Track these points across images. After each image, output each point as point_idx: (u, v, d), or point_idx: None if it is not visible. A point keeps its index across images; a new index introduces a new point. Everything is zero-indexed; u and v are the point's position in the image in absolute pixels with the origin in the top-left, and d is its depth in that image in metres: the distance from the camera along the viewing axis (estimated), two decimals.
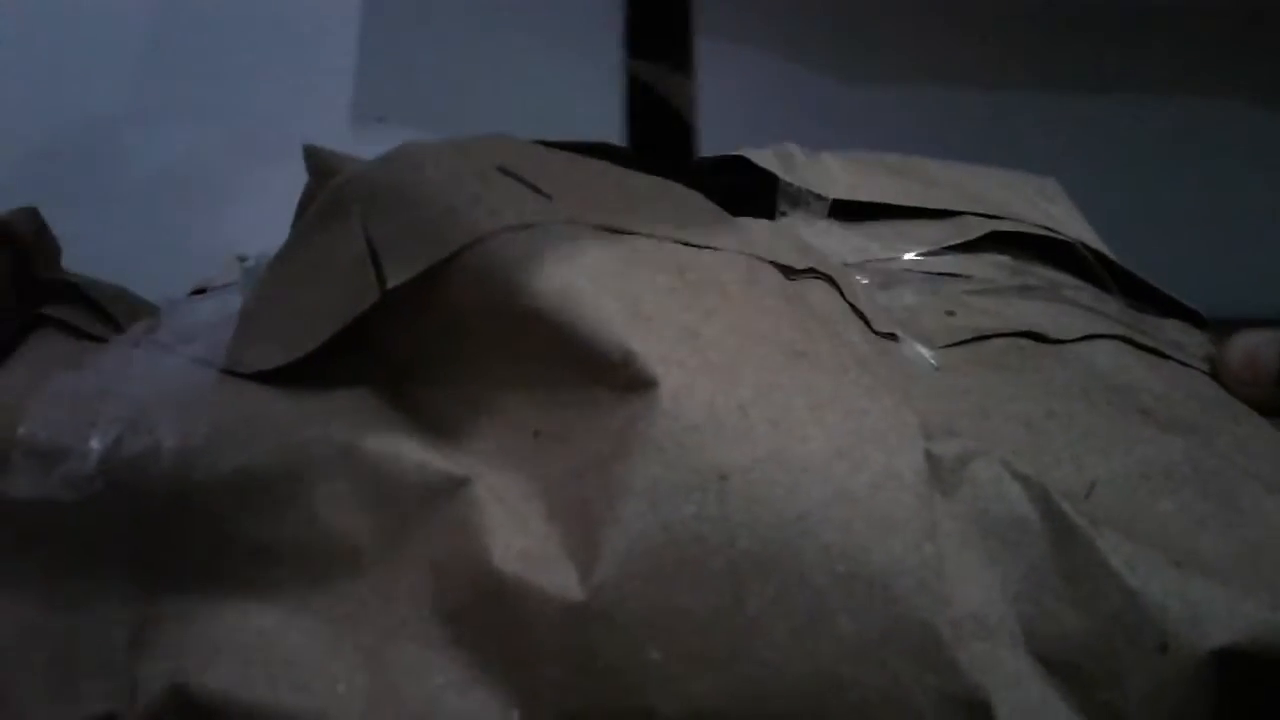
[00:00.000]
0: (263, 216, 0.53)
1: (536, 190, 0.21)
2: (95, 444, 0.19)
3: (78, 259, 0.52)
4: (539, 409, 0.19)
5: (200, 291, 0.27)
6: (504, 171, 0.21)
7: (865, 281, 0.24)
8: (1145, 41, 0.55)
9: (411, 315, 0.20)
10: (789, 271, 0.22)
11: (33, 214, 0.25)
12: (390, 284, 0.20)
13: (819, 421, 0.18)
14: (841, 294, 0.22)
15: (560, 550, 0.17)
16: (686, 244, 0.21)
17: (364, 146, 0.51)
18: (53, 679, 0.19)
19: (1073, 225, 0.30)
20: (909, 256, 0.26)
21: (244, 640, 0.19)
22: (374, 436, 0.19)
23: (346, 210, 0.21)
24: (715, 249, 0.21)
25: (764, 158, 0.28)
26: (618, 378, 0.18)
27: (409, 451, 0.19)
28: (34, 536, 0.20)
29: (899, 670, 0.16)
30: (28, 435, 0.19)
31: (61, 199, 0.52)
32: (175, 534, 0.19)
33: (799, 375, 0.18)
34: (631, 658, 0.17)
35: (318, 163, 0.23)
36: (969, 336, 0.23)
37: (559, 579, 0.17)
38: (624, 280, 0.19)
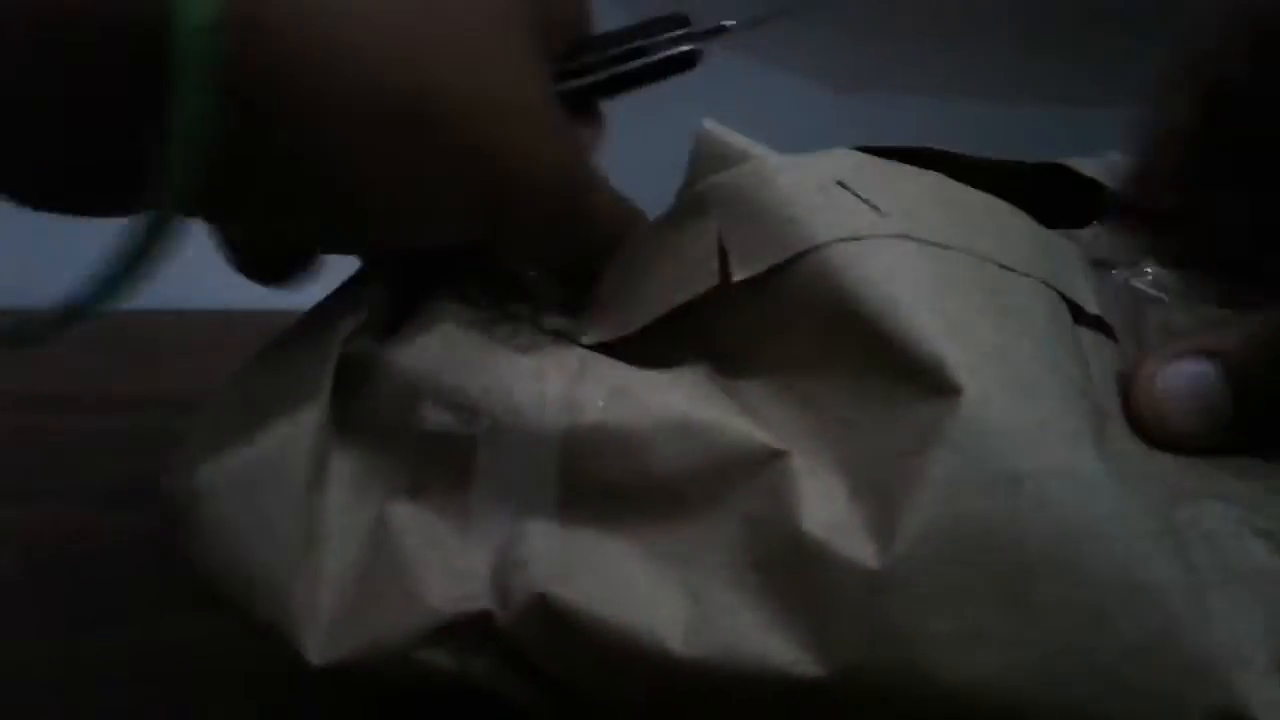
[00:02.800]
0: None
1: (871, 205, 0.23)
2: (488, 391, 0.23)
3: (89, 242, 0.52)
4: (845, 399, 0.22)
5: None
6: (842, 186, 0.24)
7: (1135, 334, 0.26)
8: (1144, 53, 0.54)
9: (741, 309, 0.23)
10: (1079, 312, 0.24)
11: None
12: (735, 278, 0.23)
13: (1104, 455, 0.20)
14: (1115, 355, 0.25)
15: (861, 525, 0.20)
16: (1003, 266, 0.23)
17: None
18: (445, 575, 0.23)
19: None
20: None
21: (593, 562, 0.22)
22: (703, 407, 0.23)
23: (706, 211, 0.24)
24: (1028, 275, 0.24)
25: (1087, 166, 0.30)
26: (925, 381, 0.20)
27: (734, 424, 0.22)
28: (439, 460, 0.23)
29: (1173, 678, 0.19)
30: (435, 379, 0.24)
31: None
32: (541, 469, 0.23)
33: (1088, 410, 0.21)
34: (919, 627, 0.19)
35: (705, 151, 0.25)
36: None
37: (859, 549, 0.20)
38: (941, 296, 0.22)
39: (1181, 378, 0.22)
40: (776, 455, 0.22)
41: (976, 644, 0.19)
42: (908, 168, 0.25)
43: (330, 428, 0.24)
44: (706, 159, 0.25)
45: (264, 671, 0.27)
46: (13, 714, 0.27)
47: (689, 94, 0.52)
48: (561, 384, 0.23)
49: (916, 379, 0.20)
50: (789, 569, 0.20)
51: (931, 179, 0.25)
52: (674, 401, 0.23)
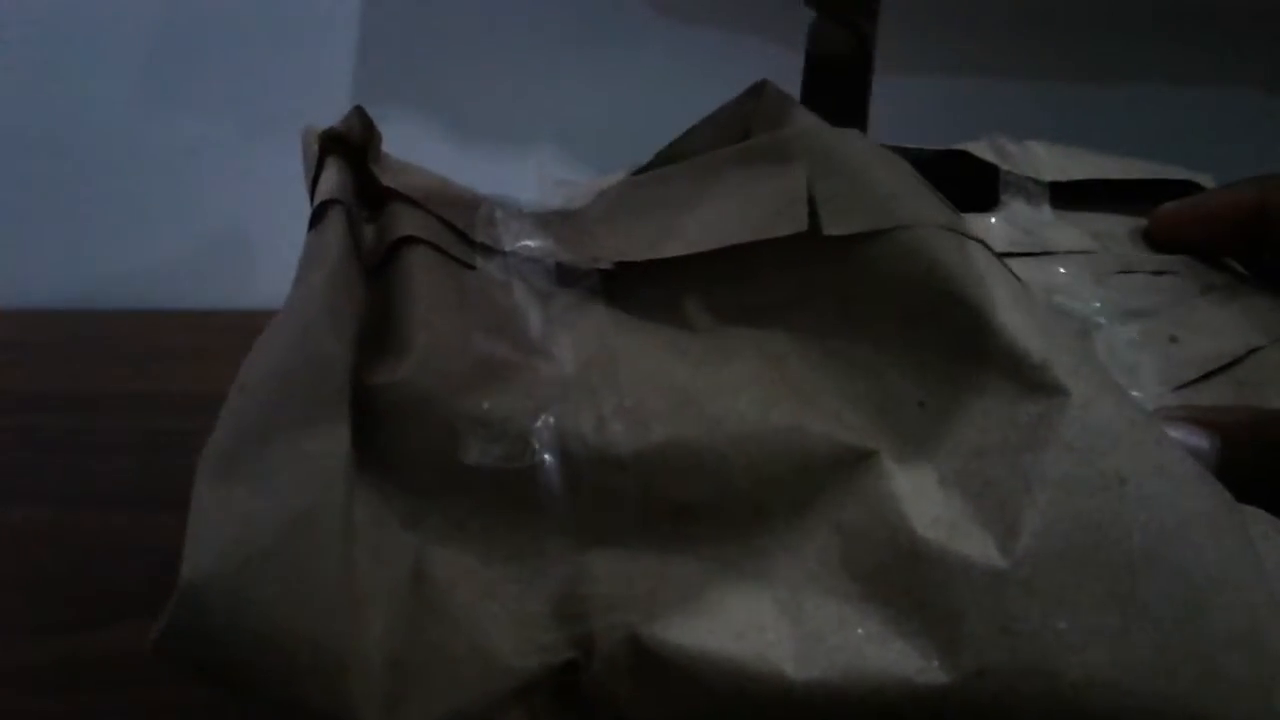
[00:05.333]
0: (259, 203, 0.53)
1: (949, 205, 0.23)
2: (536, 419, 0.21)
3: (91, 241, 0.52)
4: (924, 382, 0.21)
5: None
6: (920, 180, 0.24)
7: (1103, 321, 0.27)
8: (1149, 31, 0.55)
9: (808, 267, 0.23)
10: None
11: (360, 113, 0.25)
12: (827, 231, 0.22)
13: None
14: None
15: (971, 521, 0.20)
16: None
17: None
18: (510, 626, 0.21)
19: None
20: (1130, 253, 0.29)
21: (677, 590, 0.20)
22: (778, 410, 0.21)
23: (789, 158, 0.23)
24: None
25: (980, 149, 0.31)
26: (1031, 379, 0.20)
27: (812, 424, 0.21)
28: (480, 497, 0.21)
29: (1266, 669, 0.19)
30: (472, 406, 0.21)
31: (72, 184, 0.53)
32: (606, 495, 0.21)
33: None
34: (1044, 625, 0.19)
35: (770, 104, 0.25)
36: (1196, 375, 0.26)
37: (980, 548, 0.19)
38: (1028, 301, 0.22)
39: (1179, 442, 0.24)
40: (864, 455, 0.21)
41: (1093, 639, 0.19)
42: None
43: (351, 470, 0.20)
44: (772, 116, 0.25)
45: None
46: (13, 714, 0.27)
47: (698, 72, 0.52)
48: (619, 396, 0.22)
49: (1021, 376, 0.20)
50: (899, 573, 0.20)
51: None
52: (744, 408, 0.21)
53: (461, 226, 0.24)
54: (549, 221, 0.25)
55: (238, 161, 0.53)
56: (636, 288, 0.24)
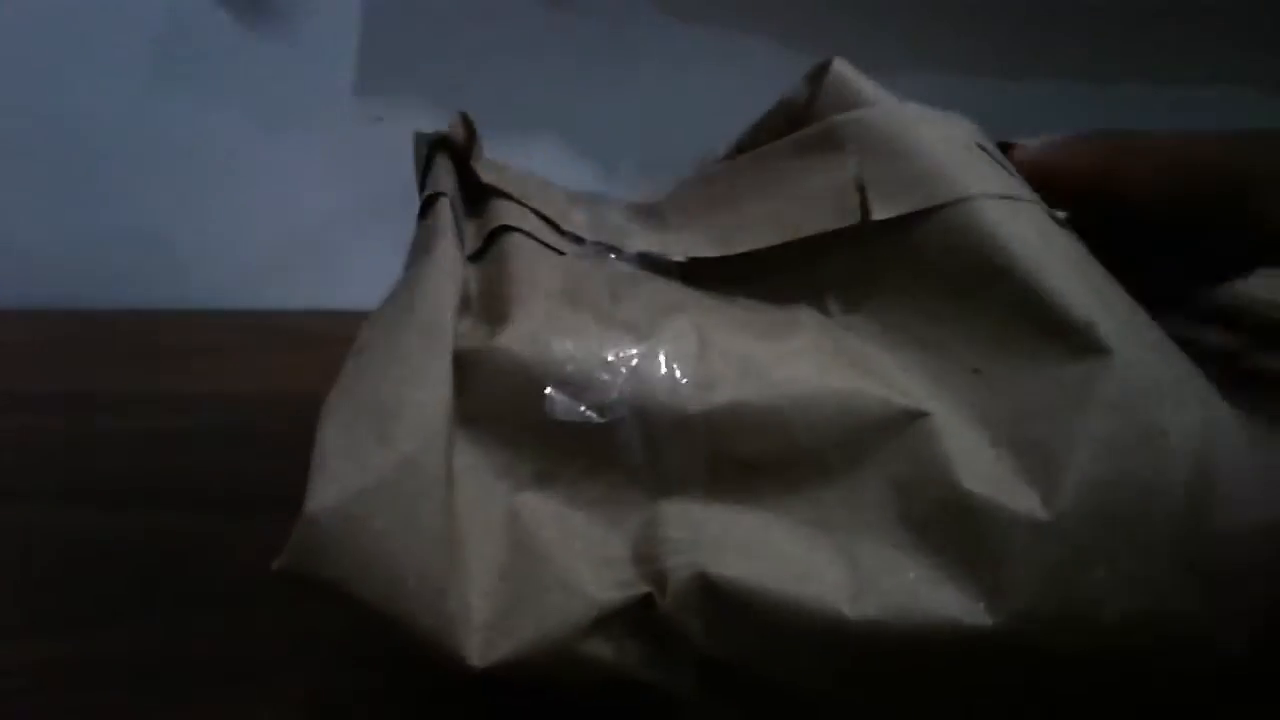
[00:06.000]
0: (260, 201, 0.53)
1: (1008, 170, 0.24)
2: (616, 376, 0.23)
3: (93, 239, 0.52)
4: (979, 350, 0.23)
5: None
6: (981, 148, 0.25)
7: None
8: (1147, 29, 0.55)
9: (867, 248, 0.24)
10: None
11: (464, 118, 0.28)
12: (875, 216, 0.24)
13: (1231, 407, 0.22)
14: None
15: (1017, 477, 0.21)
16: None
17: (363, 147, 0.52)
18: (592, 563, 0.22)
19: None
20: None
21: (742, 537, 0.22)
22: (837, 376, 0.23)
23: (839, 145, 0.25)
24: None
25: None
26: (1076, 341, 0.21)
27: (869, 388, 0.23)
28: (564, 450, 0.23)
29: None
30: (558, 368, 0.23)
31: (74, 181, 0.53)
32: (678, 450, 0.23)
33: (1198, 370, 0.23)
34: (1083, 573, 0.20)
35: (835, 84, 0.27)
36: None
37: (1024, 501, 0.20)
38: (1079, 263, 0.23)
39: None
40: (917, 417, 0.22)
41: (1131, 588, 0.20)
42: None
43: (452, 422, 0.23)
44: (834, 97, 0.27)
45: (263, 670, 0.27)
46: (12, 714, 0.27)
47: (700, 71, 0.52)
48: (689, 362, 0.23)
49: (1067, 338, 0.22)
50: (949, 524, 0.21)
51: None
52: (805, 373, 0.23)
53: (552, 217, 0.28)
54: (631, 214, 0.29)
55: (238, 158, 0.53)
56: (709, 269, 0.26)
